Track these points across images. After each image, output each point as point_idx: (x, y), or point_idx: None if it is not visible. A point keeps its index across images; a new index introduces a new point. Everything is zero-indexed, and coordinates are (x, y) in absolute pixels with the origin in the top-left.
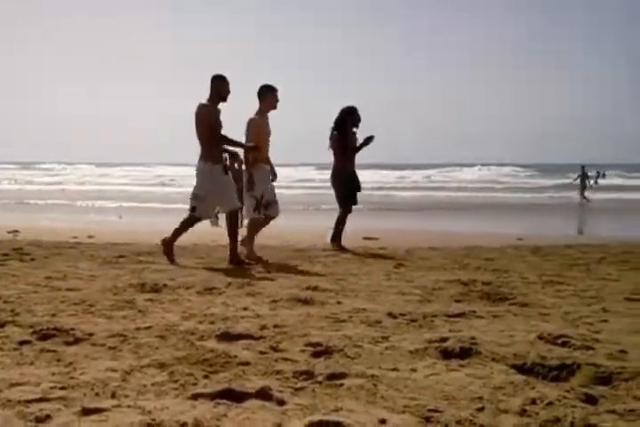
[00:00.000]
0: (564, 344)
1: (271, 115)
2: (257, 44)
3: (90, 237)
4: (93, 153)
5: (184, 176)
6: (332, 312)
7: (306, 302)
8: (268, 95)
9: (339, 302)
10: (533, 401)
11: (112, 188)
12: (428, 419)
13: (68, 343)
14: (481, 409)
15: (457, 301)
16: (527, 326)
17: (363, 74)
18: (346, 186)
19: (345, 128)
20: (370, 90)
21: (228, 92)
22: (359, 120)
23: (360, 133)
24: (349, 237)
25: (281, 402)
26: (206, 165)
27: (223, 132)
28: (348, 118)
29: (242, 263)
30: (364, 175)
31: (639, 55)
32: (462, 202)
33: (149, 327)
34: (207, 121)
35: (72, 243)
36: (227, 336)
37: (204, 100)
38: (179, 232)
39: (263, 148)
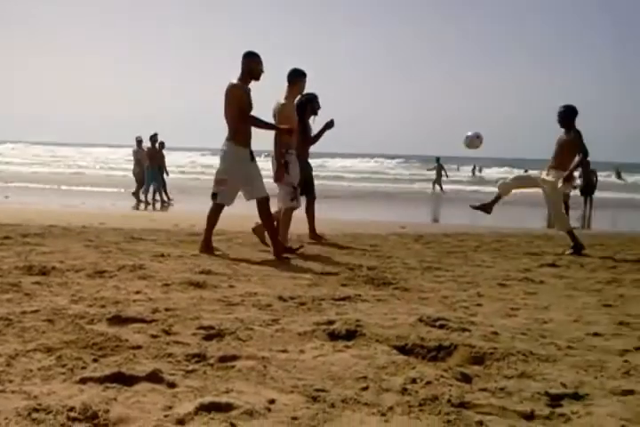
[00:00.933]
0: (442, 327)
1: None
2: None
3: None
4: None
5: (73, 156)
6: (225, 296)
7: (198, 285)
8: (298, 80)
9: (231, 286)
10: (414, 380)
11: None
12: (315, 398)
13: None
14: (365, 388)
15: (343, 285)
16: (408, 310)
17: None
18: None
19: (304, 116)
20: None
21: (261, 71)
22: (319, 108)
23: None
24: (243, 223)
25: (172, 385)
26: (233, 147)
27: (254, 113)
28: (307, 106)
29: (291, 252)
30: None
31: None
32: (349, 190)
33: (36, 311)
34: (236, 102)
35: None
36: (118, 320)
37: (235, 79)
38: (211, 224)
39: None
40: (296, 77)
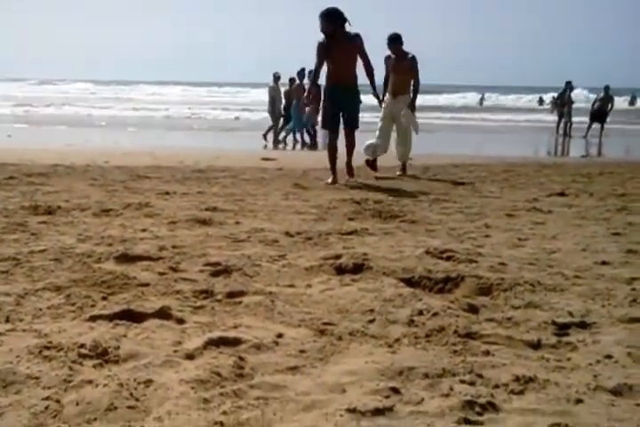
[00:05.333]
0: (448, 258)
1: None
2: None
3: None
4: None
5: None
6: (231, 232)
7: (204, 222)
8: None
9: (237, 223)
10: (420, 312)
11: None
12: (322, 332)
13: None
14: (372, 321)
15: (350, 219)
16: (415, 242)
17: None
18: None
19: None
20: None
21: None
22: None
23: None
24: (248, 157)
25: (180, 321)
26: None
27: None
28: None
29: None
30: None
31: None
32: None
33: (44, 250)
34: None
35: None
36: (125, 258)
37: None
38: None
39: None
40: None
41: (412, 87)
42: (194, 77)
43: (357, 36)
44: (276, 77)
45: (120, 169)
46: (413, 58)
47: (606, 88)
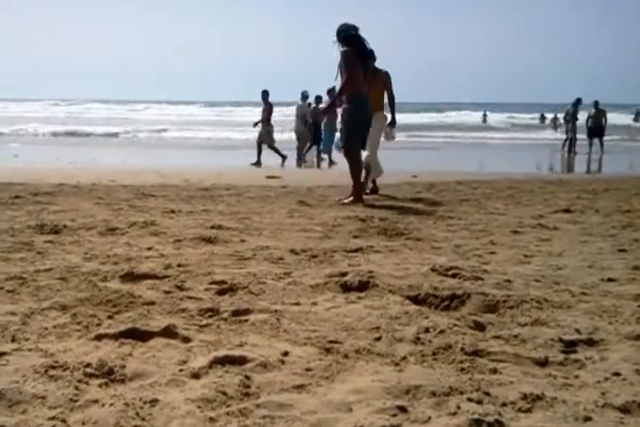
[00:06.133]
0: (454, 276)
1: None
2: None
3: None
4: None
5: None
6: (236, 250)
7: (210, 240)
8: None
9: (242, 241)
10: (427, 330)
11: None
12: (328, 350)
13: None
14: (378, 339)
15: (355, 237)
16: (421, 260)
17: None
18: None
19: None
20: None
21: None
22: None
23: None
24: (253, 175)
25: (186, 339)
26: None
27: None
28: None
29: None
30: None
31: None
32: None
33: (49, 269)
34: None
35: None
36: (130, 276)
37: None
38: None
39: None
40: None
41: (385, 102)
42: (204, 97)
43: (342, 51)
44: (305, 96)
45: (126, 188)
46: (387, 73)
47: (596, 103)
